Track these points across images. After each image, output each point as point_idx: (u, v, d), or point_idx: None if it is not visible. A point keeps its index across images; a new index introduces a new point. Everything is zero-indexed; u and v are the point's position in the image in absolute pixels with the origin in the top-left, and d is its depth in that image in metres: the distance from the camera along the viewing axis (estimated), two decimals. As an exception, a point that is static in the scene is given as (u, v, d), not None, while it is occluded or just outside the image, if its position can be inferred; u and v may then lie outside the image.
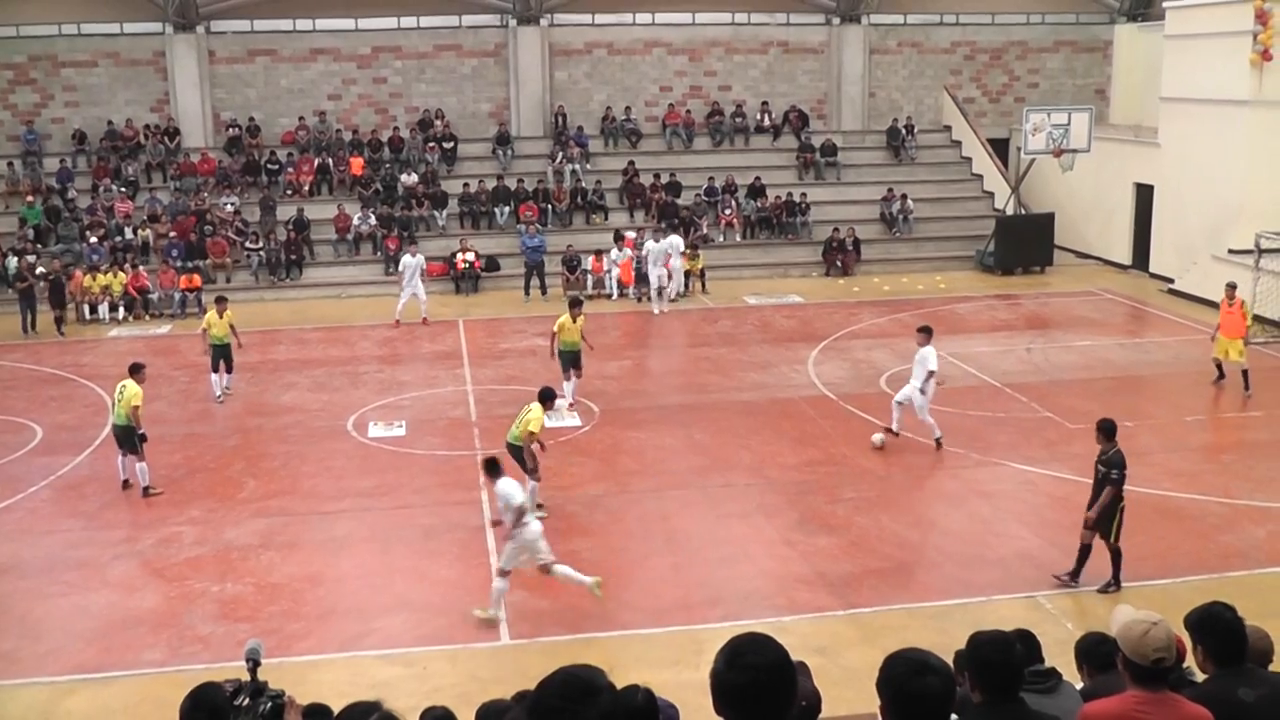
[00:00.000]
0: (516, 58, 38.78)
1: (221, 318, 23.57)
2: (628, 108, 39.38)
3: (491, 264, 33.95)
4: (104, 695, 12.67)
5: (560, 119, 38.85)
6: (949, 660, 4.87)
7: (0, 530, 17.26)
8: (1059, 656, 7.35)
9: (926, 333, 19.84)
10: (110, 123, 37.07)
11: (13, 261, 31.34)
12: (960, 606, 14.20)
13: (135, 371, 18.79)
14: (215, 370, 23.68)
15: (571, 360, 22.37)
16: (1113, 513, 14.31)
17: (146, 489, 18.12)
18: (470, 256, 33.37)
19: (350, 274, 33.90)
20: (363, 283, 33.58)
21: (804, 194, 37.19)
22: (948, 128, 41.13)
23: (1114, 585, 14.44)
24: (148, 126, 37.41)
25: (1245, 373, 23.04)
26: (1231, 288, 23.66)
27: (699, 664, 12.02)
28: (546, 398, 17.26)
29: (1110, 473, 14.25)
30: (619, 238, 33.37)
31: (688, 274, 33.08)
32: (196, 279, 32.02)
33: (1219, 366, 23.64)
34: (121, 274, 31.45)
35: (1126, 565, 15.04)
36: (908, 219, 37.06)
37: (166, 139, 37.15)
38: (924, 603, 14.36)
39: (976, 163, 39.60)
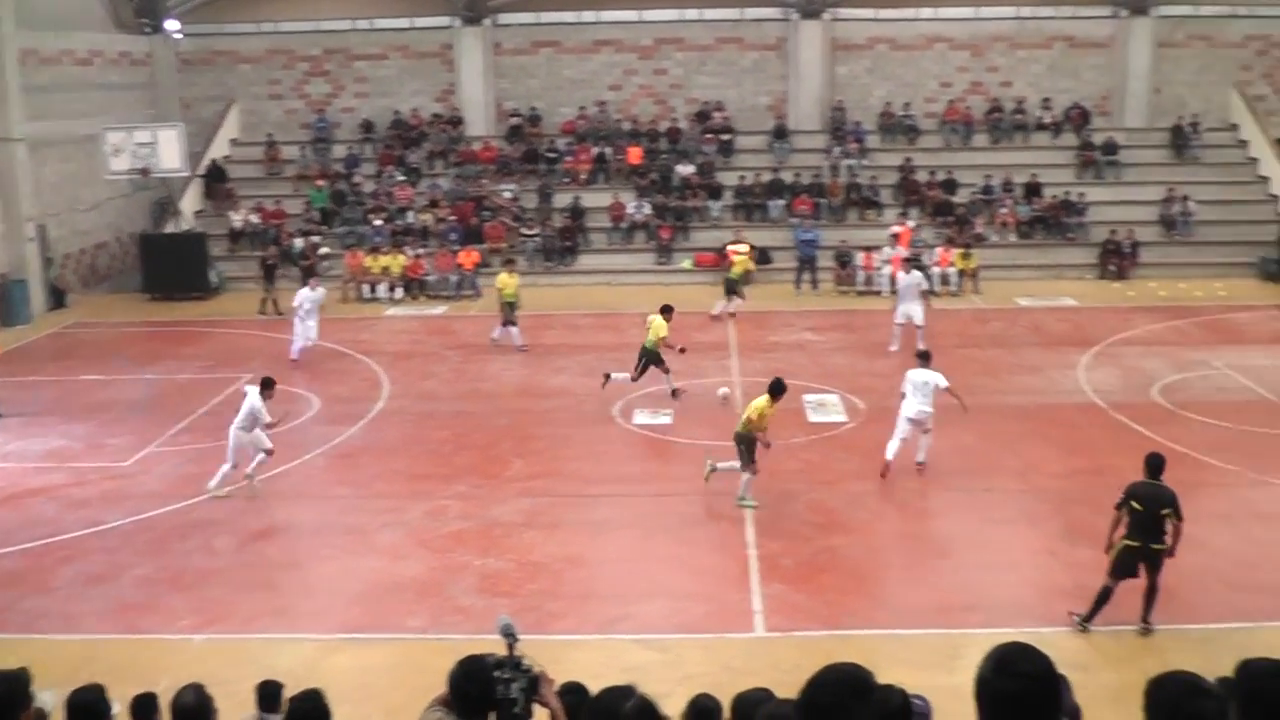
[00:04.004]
0: (797, 52, 38.51)
1: (511, 277, 26.48)
2: (907, 103, 38.65)
3: (763, 257, 33.76)
4: (367, 655, 13.02)
5: (839, 113, 38.42)
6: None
7: (278, 492, 18.04)
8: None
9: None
10: (397, 112, 38.64)
11: (299, 242, 32.90)
12: (1226, 632, 13.35)
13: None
14: (506, 324, 26.27)
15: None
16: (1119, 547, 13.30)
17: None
18: (742, 248, 33.28)
19: (623, 262, 34.24)
20: (635, 270, 33.89)
21: (1082, 194, 35.80)
22: (1235, 126, 38.83)
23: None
24: (433, 115, 38.68)
25: None
26: None
27: (953, 668, 11.62)
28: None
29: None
30: (892, 236, 32.78)
31: (961, 273, 32.31)
32: (475, 254, 32.89)
33: None
34: (401, 256, 32.55)
35: None
36: (1188, 221, 35.27)
37: (450, 127, 38.30)
38: (1189, 625, 13.55)
39: (1264, 164, 37.29)
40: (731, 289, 29.25)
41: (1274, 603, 13.97)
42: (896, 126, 38.35)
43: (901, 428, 18.23)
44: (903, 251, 32.06)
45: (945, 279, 32.25)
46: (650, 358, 22.24)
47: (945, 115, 38.68)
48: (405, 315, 30.53)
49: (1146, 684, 4.11)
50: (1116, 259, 33.97)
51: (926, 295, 25.79)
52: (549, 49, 39.01)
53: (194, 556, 15.85)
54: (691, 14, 38.79)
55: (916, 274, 25.50)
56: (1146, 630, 13.44)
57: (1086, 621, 13.51)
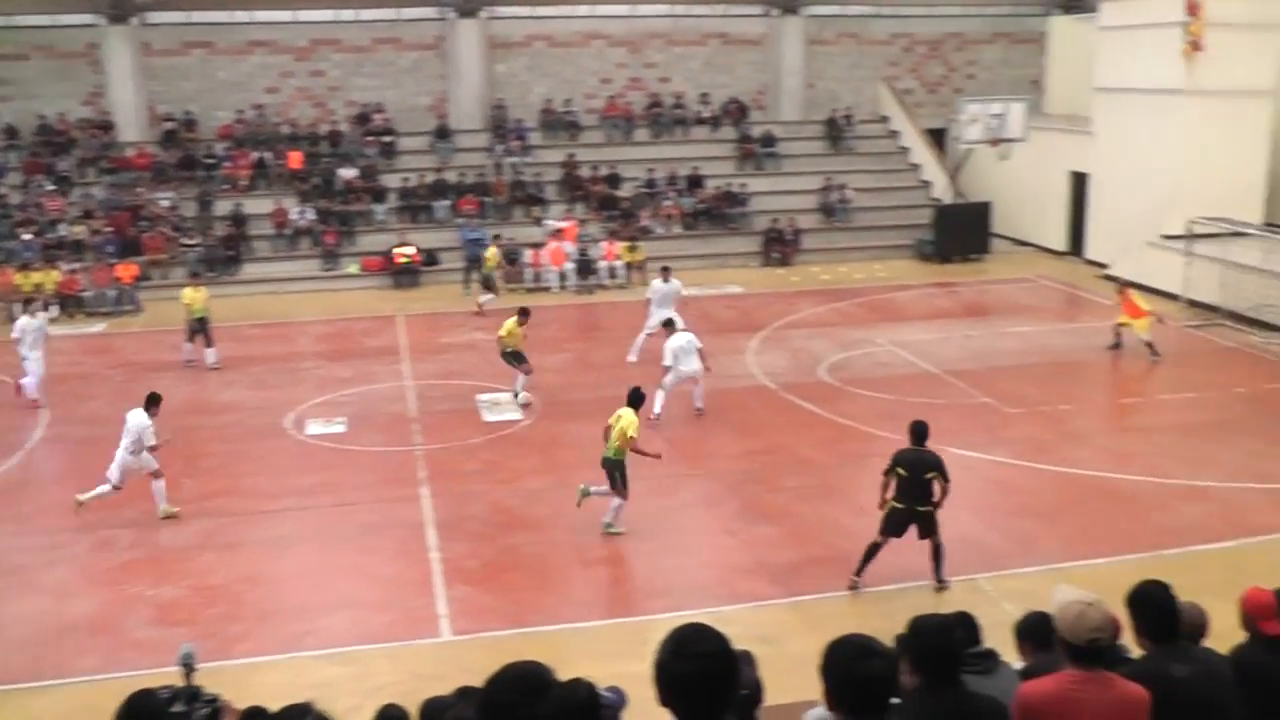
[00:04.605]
0: (456, 51, 38.59)
1: (198, 292, 25.39)
2: (567, 100, 39.30)
3: (430, 258, 33.76)
4: (36, 705, 12.43)
5: (500, 112, 38.69)
6: (891, 645, 4.91)
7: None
8: (997, 638, 7.42)
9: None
10: (42, 117, 36.51)
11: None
12: (901, 591, 14.28)
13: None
14: (191, 340, 25.25)
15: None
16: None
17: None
18: (409, 251, 33.20)
19: (288, 269, 33.62)
20: (301, 278, 33.32)
21: (743, 184, 37.35)
22: (885, 118, 41.40)
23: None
24: (81, 120, 36.92)
25: (1149, 344, 24.46)
26: (1122, 288, 25.57)
27: (643, 655, 11.93)
28: None
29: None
30: (557, 231, 33.42)
31: (628, 265, 33.15)
32: (134, 267, 31.70)
33: (1117, 334, 25.15)
34: (54, 272, 31.07)
35: (1068, 544, 15.62)
36: (846, 209, 37.29)
37: (101, 133, 36.67)
38: (866, 589, 14.42)
39: (914, 152, 39.92)
40: (488, 283, 29.90)
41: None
42: (558, 123, 38.91)
43: (668, 386, 20.87)
44: (569, 246, 32.80)
45: (612, 272, 33.07)
46: (511, 358, 22.32)
47: (606, 111, 39.53)
48: (61, 335, 28.95)
49: (823, 649, 4.46)
50: (779, 246, 35.60)
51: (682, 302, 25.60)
52: (201, 50, 37.75)
53: None
54: (347, 14, 38.28)
55: (676, 282, 25.34)
56: (941, 587, 14.33)
57: (858, 575, 14.39)
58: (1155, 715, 5.60)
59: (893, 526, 14.25)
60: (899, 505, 14.14)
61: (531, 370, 22.45)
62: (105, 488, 16.97)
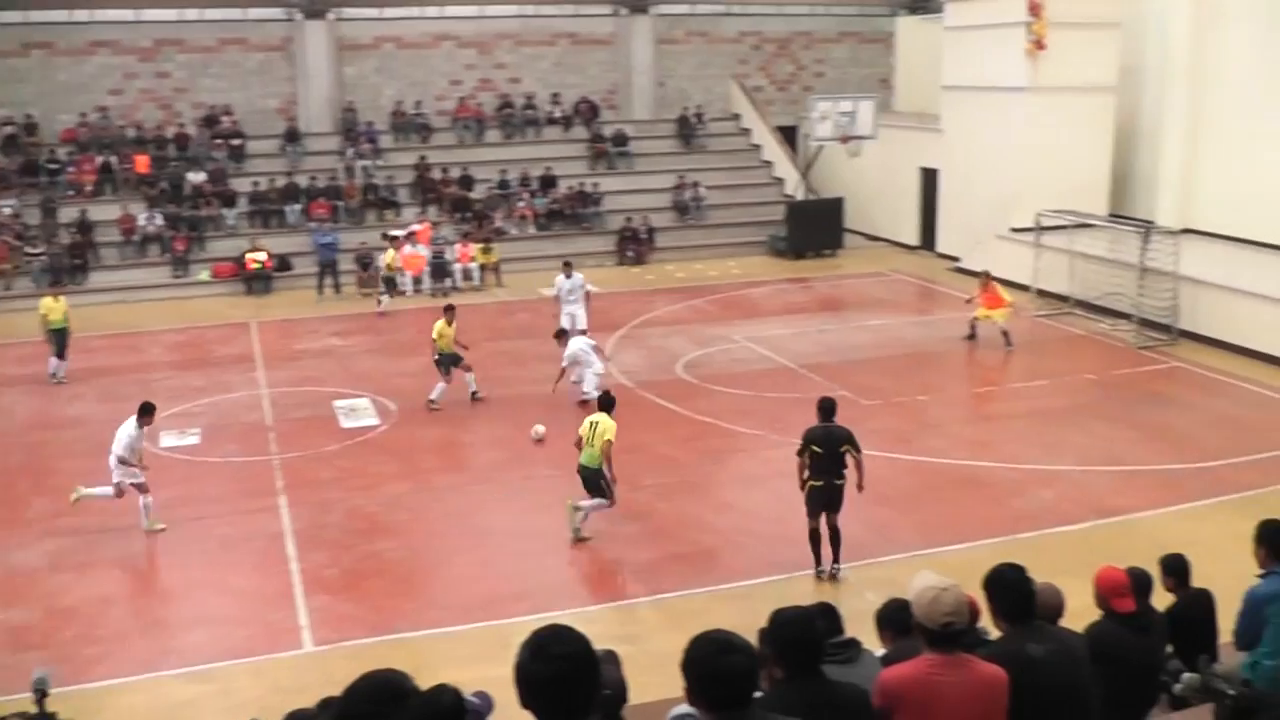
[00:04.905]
0: (304, 53, 38.02)
1: (57, 302, 24.65)
2: (418, 102, 38.97)
3: (283, 264, 33.20)
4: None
5: (350, 114, 38.24)
6: (755, 639, 4.94)
7: None
8: (860, 627, 7.50)
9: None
10: (-128, 125, 35.10)
11: None
12: (764, 585, 14.40)
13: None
14: (60, 355, 24.44)
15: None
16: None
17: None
18: (261, 256, 32.61)
19: (138, 277, 32.78)
20: (151, 286, 32.49)
21: (596, 184, 37.46)
22: (737, 116, 41.84)
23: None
24: (-86, 128, 35.56)
25: (1005, 332, 25.23)
26: (985, 277, 25.81)
27: (506, 658, 11.83)
28: None
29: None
30: (410, 234, 33.10)
31: (482, 267, 33.00)
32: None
33: (972, 326, 25.77)
34: (-111, 285, 29.94)
35: (927, 531, 15.94)
36: (700, 206, 37.62)
37: (-65, 141, 35.39)
38: (728, 584, 14.53)
39: (766, 150, 40.40)
40: (390, 284, 30.63)
41: (804, 553, 14.93)
42: (409, 125, 38.60)
43: (591, 382, 21.28)
44: (423, 250, 32.54)
45: (467, 274, 32.89)
46: (448, 359, 21.85)
47: (457, 112, 39.32)
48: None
49: (685, 646, 4.45)
50: (634, 245, 35.77)
51: (589, 297, 25.52)
52: (41, 51, 36.46)
53: None
54: (192, 14, 37.34)
55: (578, 276, 25.13)
56: (835, 575, 14.55)
57: (828, 565, 14.57)
58: (1014, 694, 5.72)
59: (818, 506, 14.45)
60: (818, 483, 14.33)
61: (471, 367, 22.27)
62: (145, 500, 16.62)
